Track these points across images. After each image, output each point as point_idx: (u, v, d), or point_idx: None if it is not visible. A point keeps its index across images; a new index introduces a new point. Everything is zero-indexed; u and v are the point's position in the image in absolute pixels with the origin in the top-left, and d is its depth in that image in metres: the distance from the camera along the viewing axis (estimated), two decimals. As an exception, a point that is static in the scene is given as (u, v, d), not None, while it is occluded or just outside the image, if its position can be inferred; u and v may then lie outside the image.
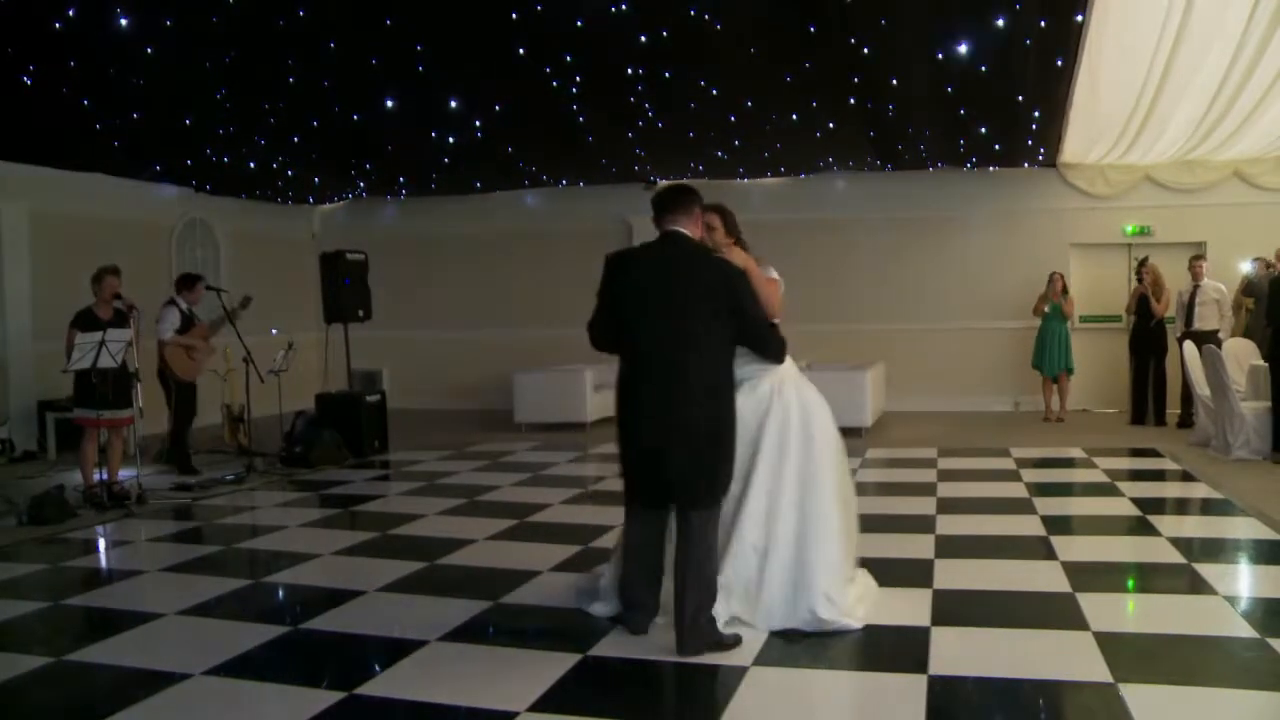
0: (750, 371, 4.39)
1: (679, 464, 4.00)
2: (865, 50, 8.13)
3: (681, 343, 4.02)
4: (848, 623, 4.25)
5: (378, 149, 11.29)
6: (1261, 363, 9.12)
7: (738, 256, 4.31)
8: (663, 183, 13.20)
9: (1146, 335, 11.16)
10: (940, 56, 8.25)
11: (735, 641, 4.08)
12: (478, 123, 10.16)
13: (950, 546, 5.79)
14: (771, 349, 4.35)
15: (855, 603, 4.38)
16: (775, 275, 4.59)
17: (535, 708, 3.58)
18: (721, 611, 4.14)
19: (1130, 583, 5.28)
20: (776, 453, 4.35)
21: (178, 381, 8.94)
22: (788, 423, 4.38)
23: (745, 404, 4.33)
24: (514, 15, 7.31)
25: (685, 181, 4.47)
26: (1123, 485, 7.67)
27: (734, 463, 4.19)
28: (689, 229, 4.18)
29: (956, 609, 4.61)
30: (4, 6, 6.58)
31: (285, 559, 5.93)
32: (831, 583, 4.27)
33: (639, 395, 4.11)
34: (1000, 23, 7.53)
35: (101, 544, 6.62)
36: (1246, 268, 11.48)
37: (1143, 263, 11.30)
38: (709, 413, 4.04)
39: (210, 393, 9.56)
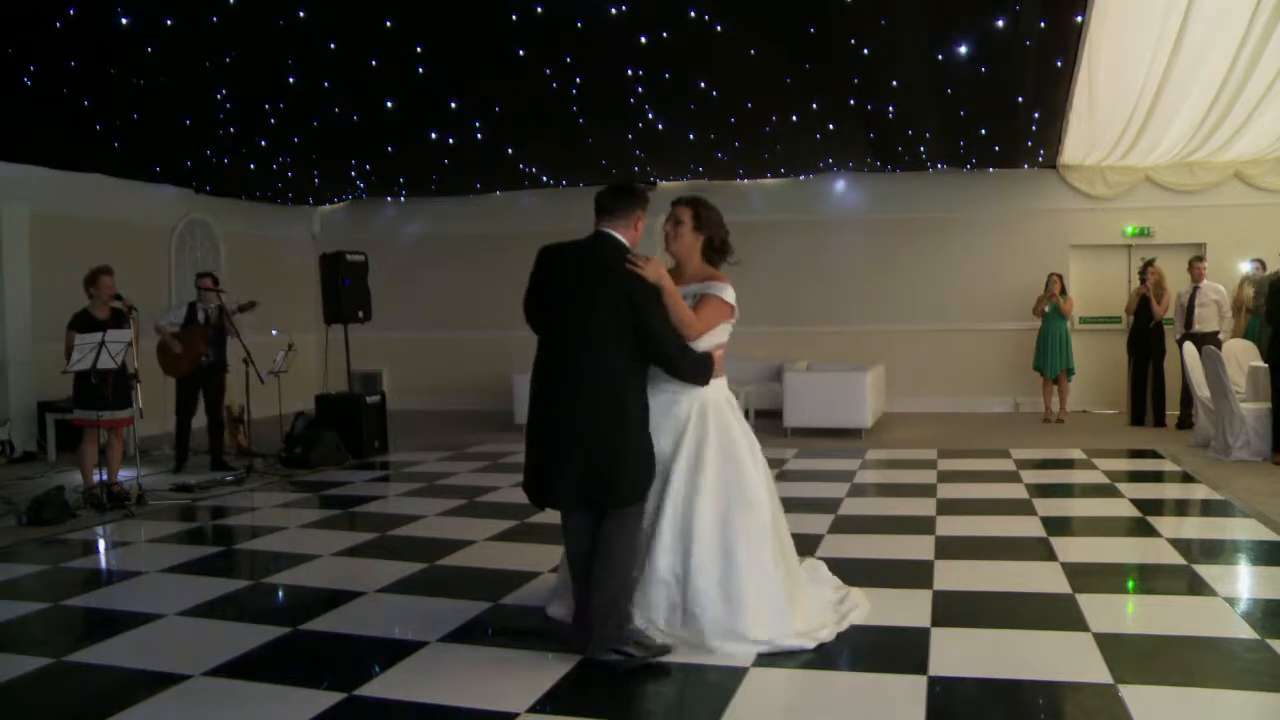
0: (668, 391, 4.15)
1: (572, 467, 3.92)
2: (865, 51, 8.13)
3: (585, 344, 3.96)
4: (790, 643, 4.03)
5: (378, 150, 11.29)
6: (1261, 364, 9.12)
7: (650, 268, 3.95)
8: (663, 183, 13.22)
9: (1146, 336, 11.17)
10: (940, 57, 8.26)
11: (659, 651, 3.97)
12: (477, 123, 10.16)
13: (950, 547, 5.79)
14: (681, 370, 4.10)
15: (807, 623, 4.16)
16: (727, 298, 4.21)
17: (535, 709, 3.58)
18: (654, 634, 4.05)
19: (1130, 584, 5.28)
20: (687, 482, 4.11)
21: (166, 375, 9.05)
22: (701, 453, 4.13)
23: (661, 424, 4.14)
24: (514, 16, 7.31)
25: (632, 183, 4.21)
26: (1122, 486, 7.67)
27: (644, 467, 4.02)
28: (623, 232, 4.09)
29: (956, 610, 4.61)
30: (4, 6, 6.58)
31: (285, 560, 5.93)
32: (762, 609, 4.03)
33: (541, 392, 4.08)
34: (1000, 24, 7.53)
35: (101, 545, 6.62)
36: (1245, 268, 11.51)
37: (1148, 264, 11.30)
38: (607, 417, 3.93)
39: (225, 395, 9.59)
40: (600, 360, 3.94)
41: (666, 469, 4.13)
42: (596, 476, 3.92)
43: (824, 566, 4.99)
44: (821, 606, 4.40)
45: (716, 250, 4.38)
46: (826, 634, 4.17)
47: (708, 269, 4.34)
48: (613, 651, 3.91)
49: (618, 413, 3.95)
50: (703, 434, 4.16)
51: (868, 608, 4.53)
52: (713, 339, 4.23)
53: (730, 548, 4.07)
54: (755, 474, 4.21)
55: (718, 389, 4.29)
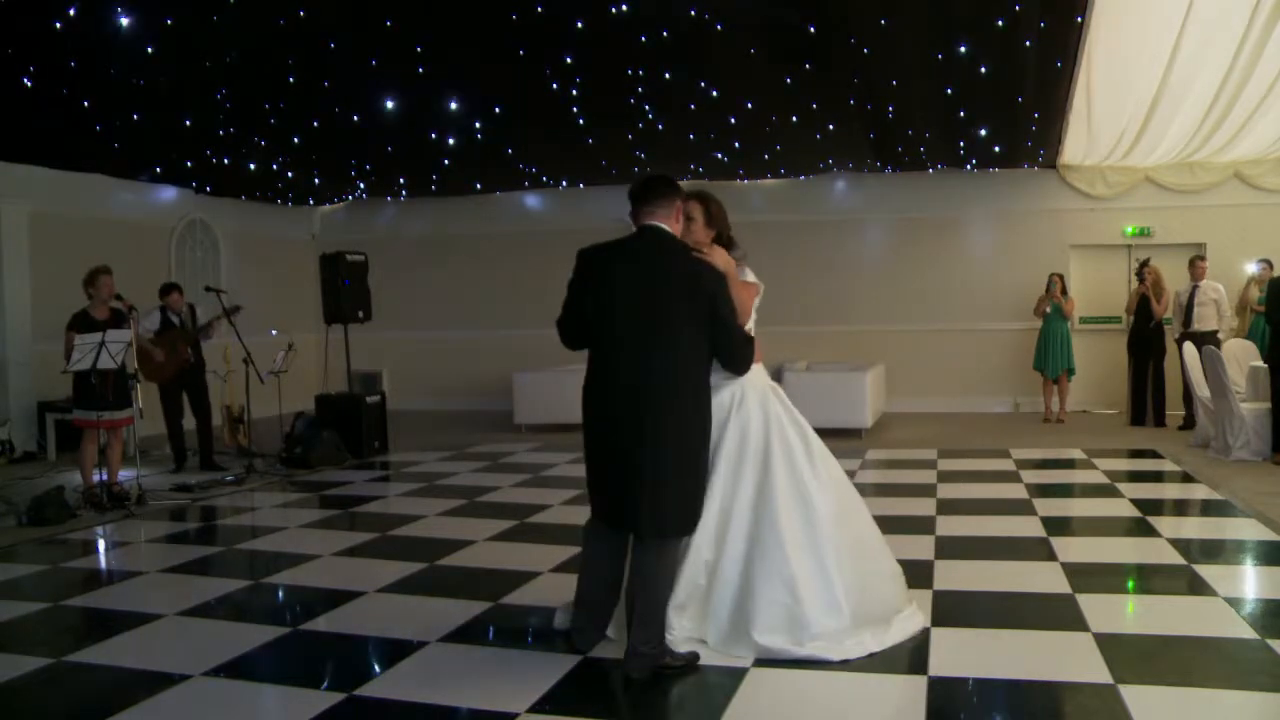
0: (712, 380, 4.02)
1: (647, 488, 3.72)
2: (865, 51, 8.14)
3: (653, 346, 3.75)
4: (799, 652, 3.89)
5: (378, 150, 11.30)
6: (1261, 364, 9.12)
7: (718, 257, 3.94)
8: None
9: (1145, 336, 11.17)
10: (940, 58, 8.26)
11: (690, 660, 3.90)
12: (477, 124, 10.17)
13: (950, 547, 5.79)
14: (740, 359, 3.98)
15: (835, 634, 3.96)
16: (753, 278, 4.23)
17: (535, 709, 3.58)
18: (678, 631, 3.94)
19: (1130, 584, 5.28)
20: (732, 469, 4.02)
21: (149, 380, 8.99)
22: (746, 439, 4.05)
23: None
24: (514, 16, 7.31)
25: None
26: (1122, 486, 7.67)
27: (705, 486, 3.92)
28: (668, 224, 3.90)
29: (956, 610, 4.61)
30: (4, 7, 6.58)
31: (285, 560, 5.93)
32: (781, 611, 3.92)
33: (605, 401, 3.85)
34: (1000, 24, 7.53)
35: (101, 545, 6.62)
36: (1252, 268, 11.49)
37: (1144, 264, 11.31)
38: (679, 425, 3.76)
39: (211, 394, 9.57)
40: (675, 366, 3.76)
41: (711, 461, 4.02)
42: (676, 501, 3.78)
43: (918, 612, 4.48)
44: (873, 620, 4.14)
45: (723, 244, 4.29)
46: (852, 643, 3.97)
47: (727, 258, 4.20)
48: (653, 669, 3.81)
49: (691, 420, 3.81)
50: (744, 427, 4.05)
51: (918, 624, 4.29)
52: (752, 324, 4.21)
53: (751, 553, 3.96)
54: (807, 467, 4.06)
55: (760, 375, 4.18)
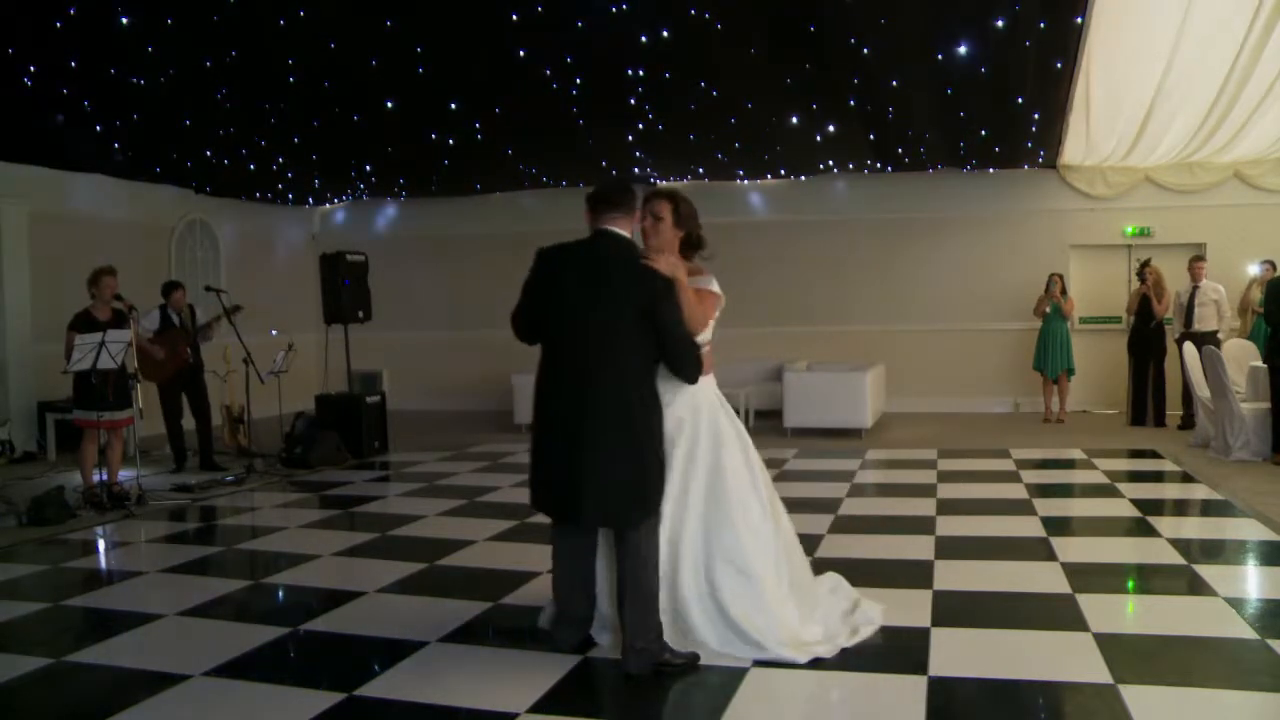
0: (665, 392, 4.02)
1: (597, 484, 3.77)
2: (865, 51, 8.14)
3: (598, 348, 3.81)
4: (783, 654, 3.90)
5: (378, 150, 11.30)
6: (1261, 364, 9.12)
7: (664, 264, 3.88)
8: (662, 183, 13.21)
9: (1146, 336, 11.17)
10: (940, 58, 8.26)
11: (691, 660, 3.90)
12: (477, 124, 10.17)
13: (950, 548, 5.79)
14: (687, 368, 3.95)
15: (802, 636, 4.02)
16: (715, 289, 4.17)
17: (535, 709, 3.58)
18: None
19: (1130, 584, 5.28)
20: (680, 481, 4.00)
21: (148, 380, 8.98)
22: (694, 453, 4.03)
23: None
24: (514, 16, 7.31)
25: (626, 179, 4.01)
26: (1122, 486, 7.67)
27: (662, 476, 3.92)
28: (624, 228, 3.94)
29: (956, 610, 4.61)
30: (4, 6, 6.59)
31: (285, 560, 5.93)
32: (753, 616, 3.93)
33: (551, 402, 3.91)
34: (1000, 24, 7.53)
35: (101, 545, 6.62)
36: (1255, 270, 11.48)
37: (1145, 264, 11.31)
38: (625, 424, 3.79)
39: (210, 394, 9.57)
40: (619, 367, 3.81)
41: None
42: (623, 491, 3.79)
43: (845, 582, 4.66)
44: (830, 620, 4.23)
45: (692, 245, 4.26)
46: (826, 649, 4.01)
47: (690, 264, 4.21)
48: (653, 666, 3.81)
49: (640, 422, 3.82)
50: (695, 437, 4.06)
51: (879, 622, 4.35)
52: (709, 334, 4.17)
53: (716, 561, 3.96)
54: (748, 478, 4.08)
55: (709, 386, 4.15)
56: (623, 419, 3.80)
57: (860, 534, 6.26)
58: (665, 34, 7.73)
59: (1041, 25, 7.55)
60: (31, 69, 7.69)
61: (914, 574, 5.21)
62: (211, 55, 7.85)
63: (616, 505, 3.82)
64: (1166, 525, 6.41)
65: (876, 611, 4.42)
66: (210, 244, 13.21)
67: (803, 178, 13.26)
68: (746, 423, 4.34)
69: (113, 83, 8.15)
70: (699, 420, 4.08)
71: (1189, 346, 9.97)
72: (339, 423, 9.87)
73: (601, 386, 3.81)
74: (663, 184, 13.01)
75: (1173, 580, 5.21)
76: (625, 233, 3.96)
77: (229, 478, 8.69)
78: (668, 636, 3.93)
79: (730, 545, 3.98)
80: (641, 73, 8.65)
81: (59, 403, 9.81)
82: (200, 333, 9.33)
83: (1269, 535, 5.98)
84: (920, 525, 6.37)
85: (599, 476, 3.78)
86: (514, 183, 13.65)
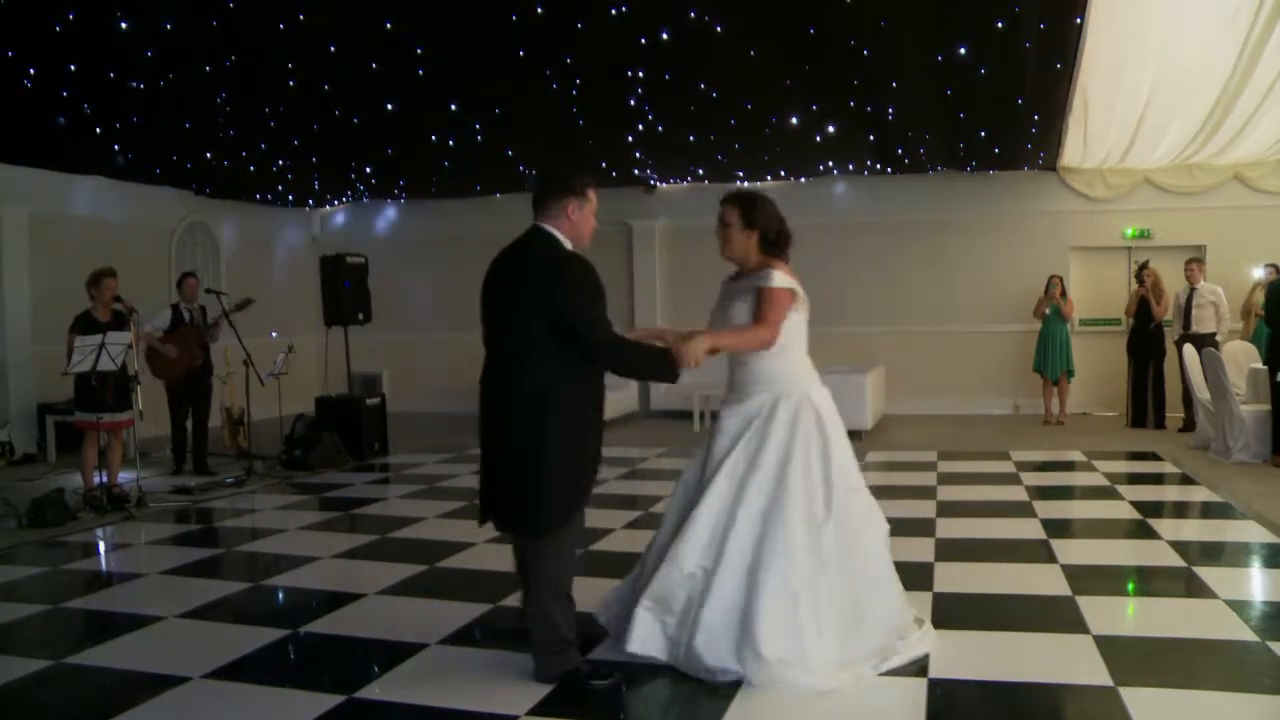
0: (749, 379, 3.89)
1: (489, 487, 3.80)
2: (865, 53, 8.14)
3: (510, 354, 3.77)
4: (800, 679, 3.67)
5: (378, 152, 11.30)
6: (1261, 366, 9.12)
7: (690, 353, 3.66)
8: (663, 185, 13.22)
9: (1145, 338, 11.17)
10: (940, 59, 8.26)
11: (605, 679, 3.77)
12: (477, 125, 10.17)
13: (950, 550, 5.79)
14: (601, 360, 3.74)
15: (831, 663, 3.75)
16: (777, 283, 4.02)
17: (535, 711, 3.58)
18: (657, 631, 3.85)
19: (1130, 586, 5.28)
20: (738, 481, 3.82)
21: (158, 378, 8.99)
22: (761, 454, 3.82)
23: (728, 419, 3.94)
24: (514, 17, 7.32)
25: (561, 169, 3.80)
26: (1122, 488, 7.67)
27: (567, 493, 3.68)
28: (553, 225, 3.80)
29: (957, 612, 4.60)
30: (4, 8, 6.59)
31: (285, 562, 5.93)
32: (778, 638, 3.68)
33: (481, 404, 3.89)
34: (1000, 25, 7.54)
35: (101, 547, 6.62)
36: (1259, 273, 11.46)
37: (1144, 266, 11.31)
38: (525, 430, 3.64)
39: (210, 396, 9.57)
40: (528, 372, 3.68)
41: (716, 468, 3.88)
42: (517, 503, 3.70)
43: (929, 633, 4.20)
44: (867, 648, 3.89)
45: (773, 244, 4.13)
46: (847, 678, 3.75)
47: (765, 261, 4.08)
48: (559, 678, 3.76)
49: (538, 426, 3.63)
50: (763, 440, 3.85)
51: (922, 649, 4.00)
52: (793, 328, 4.02)
53: (760, 574, 3.72)
54: (816, 492, 3.81)
55: (797, 383, 3.95)
56: (523, 428, 3.67)
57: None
58: (665, 35, 7.74)
59: (1041, 26, 7.55)
60: (32, 71, 7.69)
61: (914, 576, 5.19)
62: (211, 58, 7.85)
63: (510, 514, 3.78)
64: (1166, 527, 6.41)
65: (926, 640, 4.09)
66: (210, 246, 13.21)
67: (803, 179, 13.26)
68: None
69: (113, 85, 8.15)
70: (778, 419, 3.85)
71: (1188, 348, 9.96)
72: (339, 425, 9.87)
73: (507, 392, 3.75)
74: (663, 185, 12.99)
75: (1173, 582, 5.21)
76: (553, 228, 3.82)
77: (229, 480, 8.69)
78: (666, 633, 3.88)
79: (780, 563, 3.72)
80: (641, 73, 8.65)
81: (59, 404, 9.80)
82: (206, 332, 9.32)
83: (1269, 537, 5.97)
84: (920, 527, 6.37)
85: (497, 484, 3.79)
86: (514, 183, 13.62)
